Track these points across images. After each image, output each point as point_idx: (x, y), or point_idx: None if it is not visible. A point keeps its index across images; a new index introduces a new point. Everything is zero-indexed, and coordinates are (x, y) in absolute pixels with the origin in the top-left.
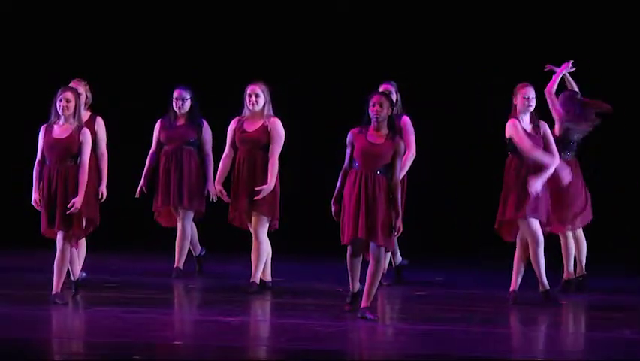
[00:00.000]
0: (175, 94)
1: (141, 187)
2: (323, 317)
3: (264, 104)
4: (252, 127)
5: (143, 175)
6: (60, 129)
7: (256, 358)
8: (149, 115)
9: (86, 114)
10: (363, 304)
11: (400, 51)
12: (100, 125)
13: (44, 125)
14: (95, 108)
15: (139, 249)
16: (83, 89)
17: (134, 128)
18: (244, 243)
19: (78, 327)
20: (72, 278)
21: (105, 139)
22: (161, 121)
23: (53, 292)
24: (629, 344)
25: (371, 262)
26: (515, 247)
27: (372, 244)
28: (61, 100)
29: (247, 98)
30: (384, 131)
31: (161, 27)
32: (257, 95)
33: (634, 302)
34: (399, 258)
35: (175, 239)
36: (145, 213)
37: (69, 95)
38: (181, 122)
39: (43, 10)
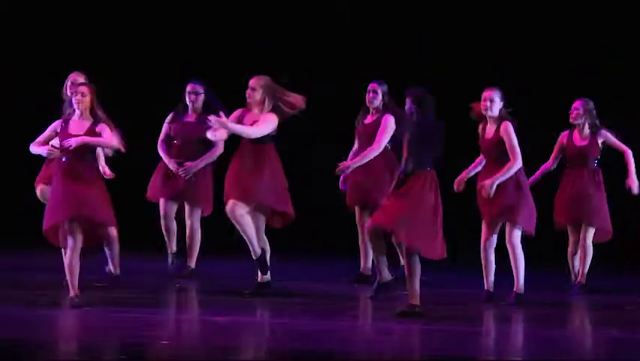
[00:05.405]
0: (188, 88)
1: (177, 167)
2: (318, 317)
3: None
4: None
5: (167, 161)
6: (76, 125)
7: (246, 358)
8: (156, 110)
9: None
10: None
11: (401, 51)
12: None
13: (60, 120)
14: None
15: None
16: (82, 80)
17: (139, 125)
18: (236, 243)
19: (71, 328)
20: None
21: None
22: (172, 114)
23: (71, 294)
24: (616, 343)
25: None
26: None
27: None
28: (76, 94)
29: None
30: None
31: (172, 22)
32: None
33: (619, 301)
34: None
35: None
36: (140, 213)
37: (85, 89)
38: (192, 118)
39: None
